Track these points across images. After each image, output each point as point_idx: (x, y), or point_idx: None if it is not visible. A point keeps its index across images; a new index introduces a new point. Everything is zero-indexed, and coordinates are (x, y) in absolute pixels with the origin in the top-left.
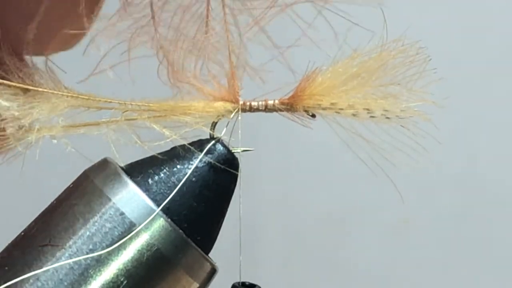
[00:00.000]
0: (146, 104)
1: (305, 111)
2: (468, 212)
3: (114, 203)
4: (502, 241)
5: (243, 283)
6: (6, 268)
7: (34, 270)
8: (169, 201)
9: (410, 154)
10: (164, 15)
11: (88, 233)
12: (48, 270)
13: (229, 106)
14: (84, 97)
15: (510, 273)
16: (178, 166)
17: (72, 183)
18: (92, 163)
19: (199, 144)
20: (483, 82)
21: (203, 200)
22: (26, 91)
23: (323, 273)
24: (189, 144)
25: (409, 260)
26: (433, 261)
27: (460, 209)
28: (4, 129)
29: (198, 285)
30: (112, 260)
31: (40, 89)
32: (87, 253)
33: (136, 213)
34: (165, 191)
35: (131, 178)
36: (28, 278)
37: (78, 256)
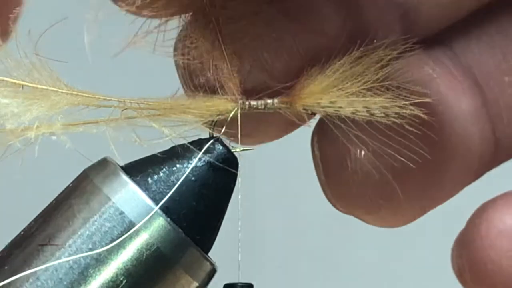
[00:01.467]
0: (146, 102)
1: (305, 109)
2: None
3: (113, 202)
4: None
5: (234, 284)
6: (6, 267)
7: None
8: (168, 200)
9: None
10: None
11: (87, 232)
12: (47, 270)
13: (228, 105)
14: (84, 94)
15: None
16: (178, 165)
17: (72, 183)
18: (92, 163)
19: (198, 143)
20: None
21: (202, 199)
22: (26, 88)
23: (324, 273)
24: (189, 143)
25: (409, 260)
26: (433, 261)
27: (460, 208)
28: (3, 126)
29: (197, 284)
30: (111, 260)
31: (39, 86)
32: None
33: (136, 212)
34: (165, 190)
35: (130, 177)
36: (28, 277)
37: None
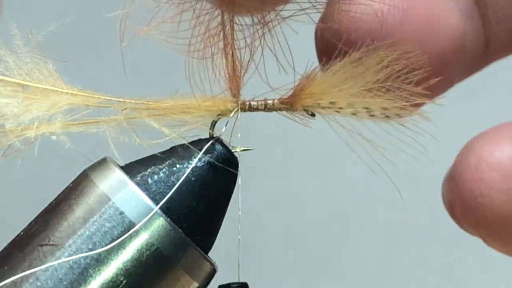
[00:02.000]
0: (146, 102)
1: (305, 110)
2: None
3: (113, 202)
4: None
5: (228, 285)
6: (6, 267)
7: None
8: (168, 200)
9: (409, 153)
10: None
11: (87, 232)
12: (47, 270)
13: (228, 105)
14: (84, 94)
15: (510, 273)
16: (178, 166)
17: (72, 183)
18: (92, 163)
19: (198, 143)
20: (483, 79)
21: (202, 200)
22: (25, 87)
23: (323, 272)
24: (189, 143)
25: (409, 260)
26: (433, 261)
27: None
28: (3, 125)
29: (197, 284)
30: (111, 260)
31: (39, 86)
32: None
33: (136, 213)
34: (165, 190)
35: (130, 177)
36: (28, 277)
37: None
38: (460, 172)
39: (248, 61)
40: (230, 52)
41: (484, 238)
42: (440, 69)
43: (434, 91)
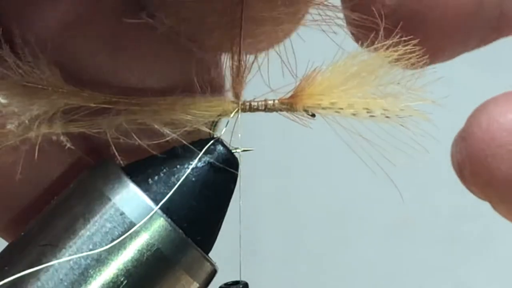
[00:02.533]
0: (146, 102)
1: (305, 110)
2: (468, 212)
3: (114, 203)
4: (502, 241)
5: (227, 284)
6: (6, 268)
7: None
8: (168, 200)
9: (410, 153)
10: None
11: (88, 233)
12: (48, 270)
13: (229, 105)
14: (85, 94)
15: (510, 273)
16: (178, 166)
17: (72, 183)
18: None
19: (199, 144)
20: (483, 80)
21: (203, 200)
22: (26, 87)
23: (323, 272)
24: (189, 143)
25: (409, 260)
26: (433, 261)
27: (460, 209)
28: (3, 125)
29: (198, 285)
30: (112, 260)
31: (40, 86)
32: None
33: (136, 213)
34: (165, 190)
35: (131, 178)
36: (28, 277)
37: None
38: (472, 132)
39: (253, 62)
40: (237, 52)
41: (492, 201)
42: (459, 27)
43: (449, 53)
